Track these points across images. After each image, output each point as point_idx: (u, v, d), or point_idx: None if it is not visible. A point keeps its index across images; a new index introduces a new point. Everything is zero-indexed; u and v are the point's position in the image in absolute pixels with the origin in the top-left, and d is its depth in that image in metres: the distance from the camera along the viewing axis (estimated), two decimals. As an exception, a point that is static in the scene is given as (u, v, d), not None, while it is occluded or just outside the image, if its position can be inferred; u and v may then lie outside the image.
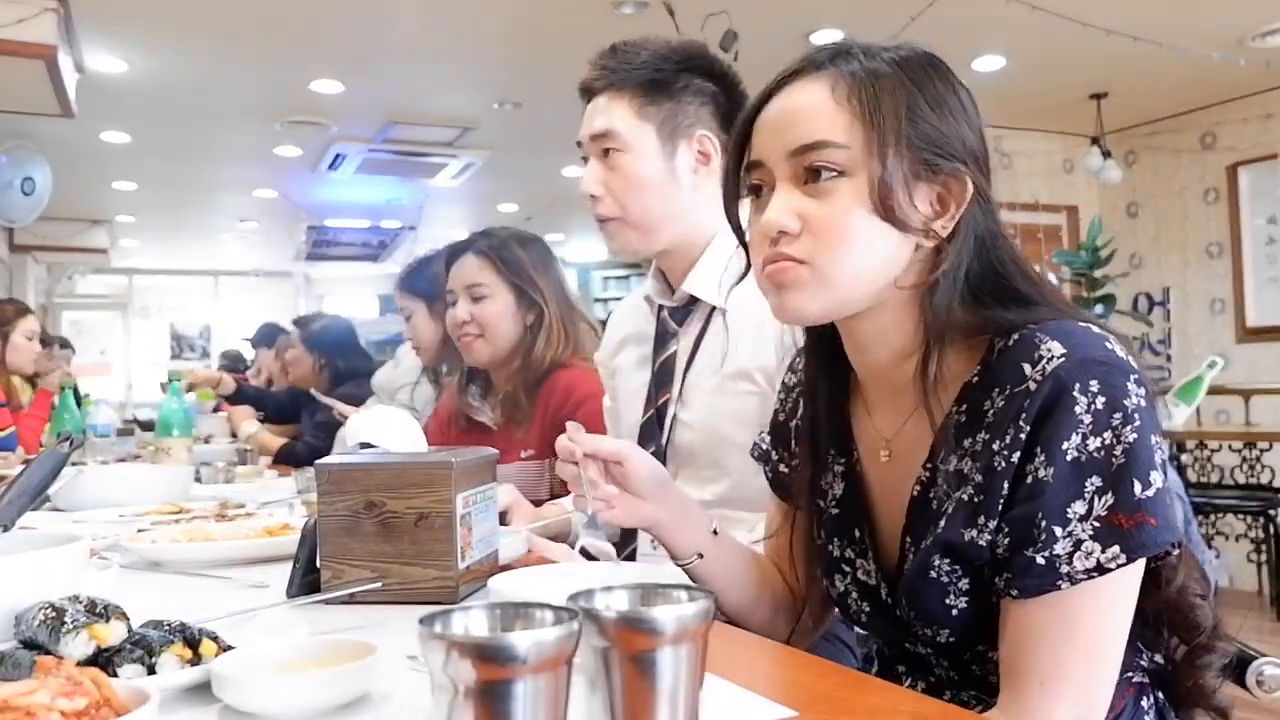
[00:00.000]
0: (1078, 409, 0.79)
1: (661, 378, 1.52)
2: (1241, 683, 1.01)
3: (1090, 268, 5.32)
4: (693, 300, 1.50)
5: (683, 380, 1.49)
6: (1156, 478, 0.80)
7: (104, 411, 2.79)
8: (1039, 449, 0.81)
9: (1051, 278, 3.69)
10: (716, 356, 1.45)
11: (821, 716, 0.71)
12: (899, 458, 0.95)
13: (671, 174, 1.47)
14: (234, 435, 3.82)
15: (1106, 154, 5.71)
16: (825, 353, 1.01)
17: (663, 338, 1.55)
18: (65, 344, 6.68)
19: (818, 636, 1.18)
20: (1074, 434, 0.79)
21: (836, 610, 1.06)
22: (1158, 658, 0.95)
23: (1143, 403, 0.80)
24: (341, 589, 1.05)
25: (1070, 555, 0.79)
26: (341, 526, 1.07)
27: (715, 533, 1.12)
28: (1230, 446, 5.05)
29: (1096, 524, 0.79)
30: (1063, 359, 0.81)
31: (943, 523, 0.87)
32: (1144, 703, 0.92)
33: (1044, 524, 0.80)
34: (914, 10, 3.97)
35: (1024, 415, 0.81)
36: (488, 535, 1.16)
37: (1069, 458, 0.79)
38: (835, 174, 0.87)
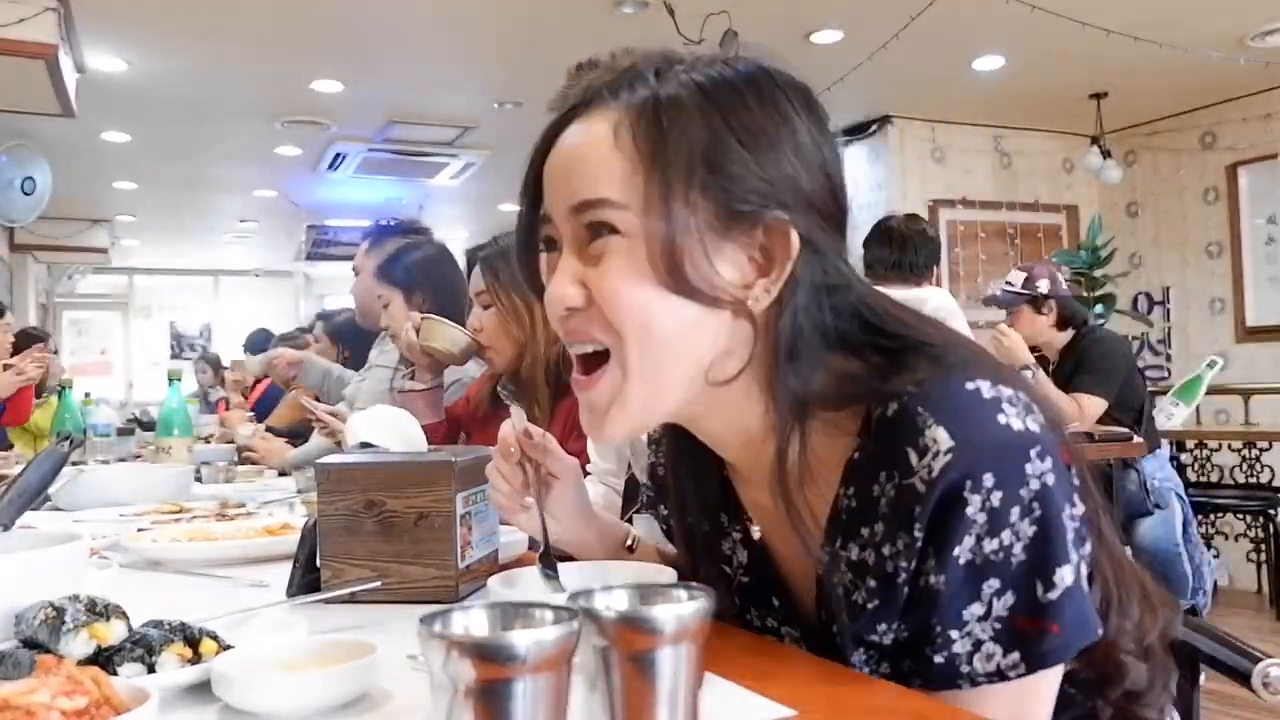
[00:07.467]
0: (969, 510, 0.70)
1: None
2: (1248, 685, 1.00)
3: (1090, 267, 5.33)
4: None
5: None
6: (1065, 574, 0.70)
7: (104, 411, 2.79)
8: (930, 554, 0.72)
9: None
10: None
11: (821, 716, 0.71)
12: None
13: None
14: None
15: (1106, 154, 5.71)
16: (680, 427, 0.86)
17: None
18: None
19: None
20: (966, 536, 0.70)
21: None
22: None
23: (1048, 480, 0.70)
24: (341, 588, 1.05)
25: (970, 655, 0.72)
26: (341, 526, 1.07)
27: (632, 549, 1.08)
28: (1230, 446, 5.06)
29: (997, 624, 0.71)
30: (950, 455, 0.69)
31: (850, 616, 0.79)
32: None
33: (939, 629, 0.72)
34: (914, 10, 3.96)
35: (917, 523, 0.71)
36: (488, 535, 1.17)
37: (961, 562, 0.70)
38: (610, 232, 0.73)
